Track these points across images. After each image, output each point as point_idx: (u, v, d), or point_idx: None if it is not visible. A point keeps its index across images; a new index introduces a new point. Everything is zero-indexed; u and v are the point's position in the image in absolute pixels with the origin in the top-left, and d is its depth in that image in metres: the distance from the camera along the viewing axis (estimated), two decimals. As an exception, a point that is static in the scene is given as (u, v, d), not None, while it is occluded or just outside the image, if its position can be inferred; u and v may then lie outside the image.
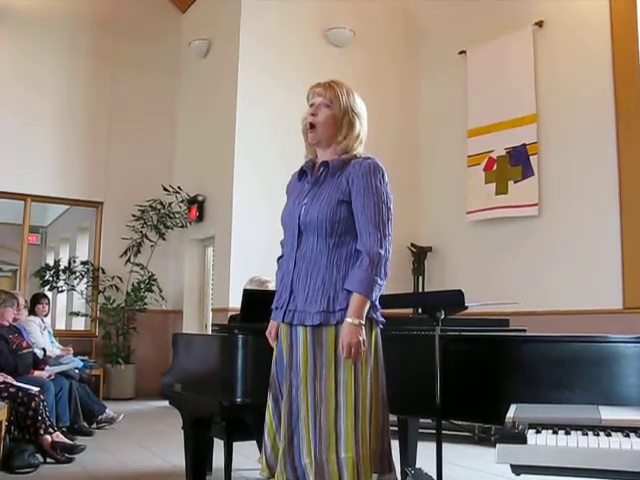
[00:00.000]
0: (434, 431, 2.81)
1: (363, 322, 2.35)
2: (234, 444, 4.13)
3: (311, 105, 2.60)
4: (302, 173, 2.64)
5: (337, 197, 2.45)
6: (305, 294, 2.45)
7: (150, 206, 8.78)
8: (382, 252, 2.40)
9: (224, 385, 3.24)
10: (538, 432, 2.00)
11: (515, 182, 7.52)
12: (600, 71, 6.94)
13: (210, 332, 8.02)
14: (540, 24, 7.52)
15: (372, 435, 2.38)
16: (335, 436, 2.34)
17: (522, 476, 2.03)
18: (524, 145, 7.46)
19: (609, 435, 1.95)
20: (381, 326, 2.53)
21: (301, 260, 2.49)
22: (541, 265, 7.28)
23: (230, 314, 5.38)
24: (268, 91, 7.87)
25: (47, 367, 5.77)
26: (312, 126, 2.54)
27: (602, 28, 6.97)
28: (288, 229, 2.58)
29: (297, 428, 2.42)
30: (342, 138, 2.53)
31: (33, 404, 4.71)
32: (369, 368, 2.41)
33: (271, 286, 4.33)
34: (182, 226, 8.85)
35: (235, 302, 6.80)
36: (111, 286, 8.77)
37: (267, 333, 2.66)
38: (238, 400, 3.18)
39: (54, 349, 6.70)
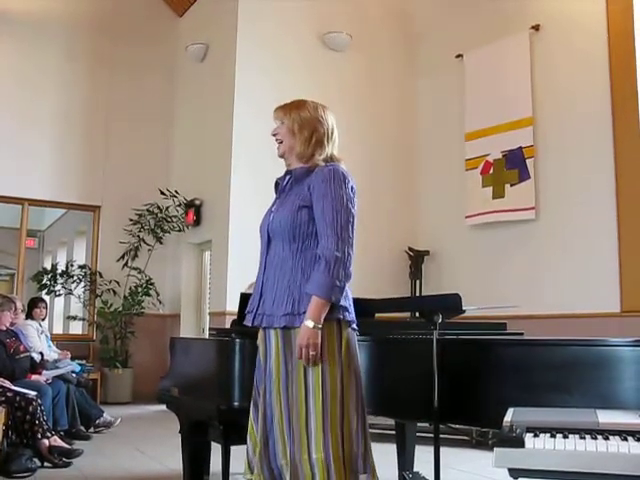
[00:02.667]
0: (432, 435, 2.81)
1: (319, 325, 2.42)
2: (231, 448, 4.13)
3: (273, 130, 2.77)
4: (276, 186, 2.77)
5: (298, 203, 2.56)
6: (272, 297, 2.55)
7: (147, 210, 8.78)
8: (339, 254, 2.46)
9: (221, 389, 3.24)
10: (536, 436, 2.00)
11: (512, 185, 7.53)
12: (597, 74, 6.96)
13: (207, 336, 8.01)
14: (537, 28, 7.54)
15: (345, 437, 2.43)
16: (307, 437, 2.41)
17: (519, 480, 2.03)
18: (520, 148, 7.48)
19: (607, 439, 1.95)
20: (354, 326, 2.57)
21: (270, 265, 2.61)
22: (538, 269, 7.28)
23: (232, 319, 5.38)
24: (265, 95, 7.85)
25: (44, 371, 5.76)
26: (278, 143, 2.72)
27: (598, 31, 6.99)
28: (261, 238, 2.70)
29: (272, 431, 2.51)
30: (298, 145, 2.64)
31: (30, 408, 4.70)
32: (338, 370, 2.46)
33: None
34: (179, 230, 8.84)
35: (232, 306, 6.79)
36: (108, 290, 8.77)
37: (258, 342, 2.72)
38: (235, 404, 3.17)
39: (51, 353, 6.70)
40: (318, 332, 2.41)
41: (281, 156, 2.73)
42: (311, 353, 2.40)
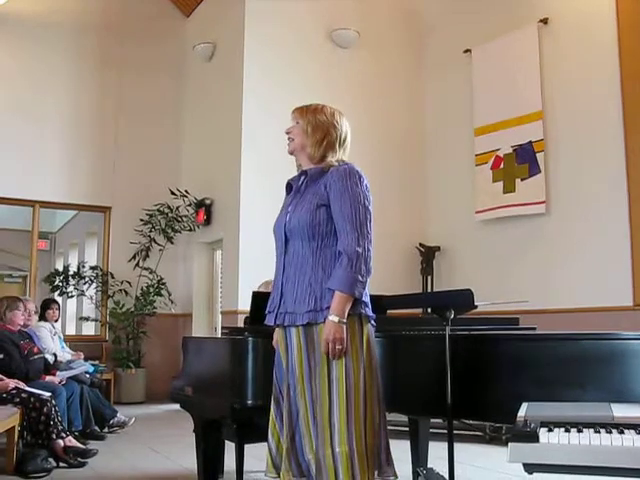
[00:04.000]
0: (445, 431, 2.81)
1: (344, 320, 2.47)
2: (245, 446, 4.13)
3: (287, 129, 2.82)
4: (288, 187, 2.81)
5: (315, 202, 2.61)
6: (294, 296, 2.59)
7: (158, 210, 8.81)
8: (360, 250, 2.51)
9: (235, 387, 3.25)
10: (550, 430, 1.99)
11: (522, 180, 7.50)
12: (606, 66, 6.92)
13: (220, 335, 8.03)
14: (545, 21, 7.50)
15: (368, 430, 2.48)
16: (330, 431, 2.45)
17: (535, 475, 2.02)
18: (530, 142, 7.45)
19: (622, 432, 1.94)
20: (373, 322, 2.62)
21: (289, 265, 2.65)
22: (550, 263, 7.25)
23: (245, 316, 5.38)
24: (273, 92, 7.88)
25: (58, 372, 5.78)
26: (291, 140, 2.76)
27: (608, 23, 6.94)
28: (277, 238, 2.74)
29: (297, 427, 2.55)
30: (310, 146, 2.69)
31: (45, 409, 4.73)
32: (361, 364, 2.51)
33: None
34: (190, 230, 8.86)
35: (244, 305, 6.81)
36: (120, 291, 8.79)
37: (274, 343, 2.78)
38: (249, 402, 3.18)
39: (65, 354, 6.73)
40: (343, 327, 2.46)
41: (291, 153, 2.77)
42: (337, 347, 2.45)
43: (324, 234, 2.58)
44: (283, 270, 2.66)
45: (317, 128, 2.67)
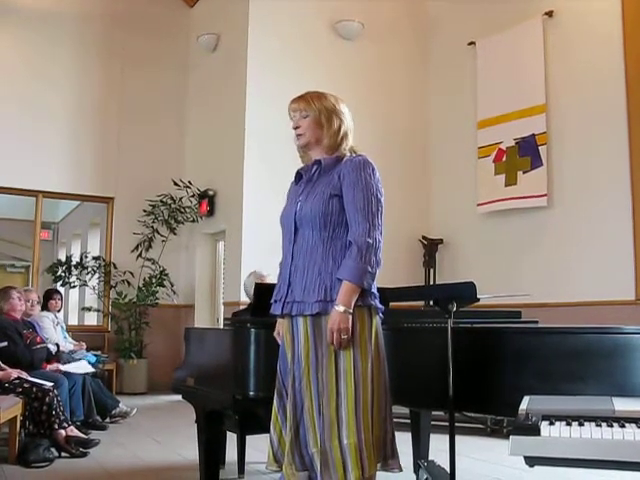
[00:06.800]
0: (446, 423, 2.81)
1: (350, 310, 2.45)
2: (247, 437, 4.15)
3: (294, 123, 2.73)
4: (298, 176, 2.78)
5: (329, 192, 2.58)
6: (303, 285, 2.56)
7: (161, 201, 8.81)
8: (370, 241, 2.49)
9: (237, 379, 3.25)
10: (551, 424, 1.99)
11: (524, 173, 7.49)
12: (611, 59, 6.89)
13: (222, 326, 8.05)
14: (550, 14, 7.47)
15: (375, 422, 2.47)
16: (337, 424, 2.43)
17: (535, 467, 2.02)
18: (533, 135, 7.43)
19: (623, 426, 1.94)
20: (381, 314, 2.61)
21: (298, 254, 2.61)
22: (553, 256, 7.25)
23: (233, 311, 5.36)
24: (277, 84, 7.86)
25: (61, 367, 5.79)
26: (300, 135, 2.70)
27: (613, 16, 6.92)
28: (286, 227, 2.70)
29: (302, 419, 2.52)
30: (327, 137, 2.65)
31: (47, 399, 4.74)
32: (369, 356, 2.49)
33: (269, 280, 4.41)
34: (193, 221, 8.87)
35: (247, 296, 6.81)
36: (123, 281, 8.81)
37: (275, 334, 2.78)
38: (251, 393, 3.18)
39: (67, 344, 6.75)
40: (349, 317, 2.44)
41: (304, 146, 2.71)
42: (342, 337, 2.43)
43: (335, 224, 2.56)
44: (292, 259, 2.62)
45: (330, 117, 2.64)
